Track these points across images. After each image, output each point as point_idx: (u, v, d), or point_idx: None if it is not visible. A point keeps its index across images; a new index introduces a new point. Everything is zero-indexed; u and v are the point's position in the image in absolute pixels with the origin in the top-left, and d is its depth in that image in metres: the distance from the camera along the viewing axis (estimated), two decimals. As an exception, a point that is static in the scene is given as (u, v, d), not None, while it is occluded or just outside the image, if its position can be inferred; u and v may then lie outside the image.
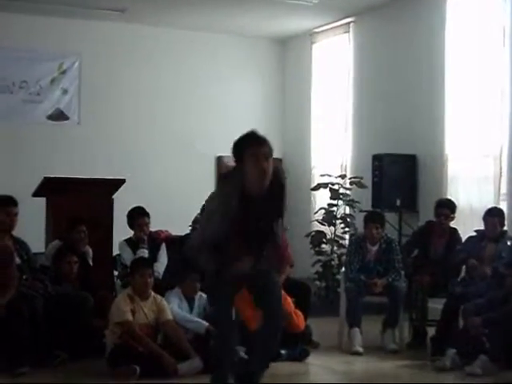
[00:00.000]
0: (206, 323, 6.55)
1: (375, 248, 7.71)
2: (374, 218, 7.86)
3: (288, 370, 6.55)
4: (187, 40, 12.39)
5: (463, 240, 7.78)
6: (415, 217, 9.73)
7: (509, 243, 7.42)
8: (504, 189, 8.82)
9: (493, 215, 7.49)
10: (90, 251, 7.67)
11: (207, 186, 12.11)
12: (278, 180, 4.86)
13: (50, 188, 8.13)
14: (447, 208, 7.87)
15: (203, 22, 12.00)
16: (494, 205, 8.28)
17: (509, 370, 6.23)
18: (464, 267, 7.53)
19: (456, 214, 7.94)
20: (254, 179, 4.72)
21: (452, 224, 7.93)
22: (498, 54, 8.91)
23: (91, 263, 7.59)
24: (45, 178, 8.21)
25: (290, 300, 6.92)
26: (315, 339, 7.42)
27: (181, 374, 6.13)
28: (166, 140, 12.07)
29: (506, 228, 7.57)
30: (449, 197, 8.90)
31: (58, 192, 8.02)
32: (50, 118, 11.69)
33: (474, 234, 7.65)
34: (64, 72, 11.75)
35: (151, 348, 6.21)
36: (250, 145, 4.73)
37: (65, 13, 11.27)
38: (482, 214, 7.61)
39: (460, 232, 7.94)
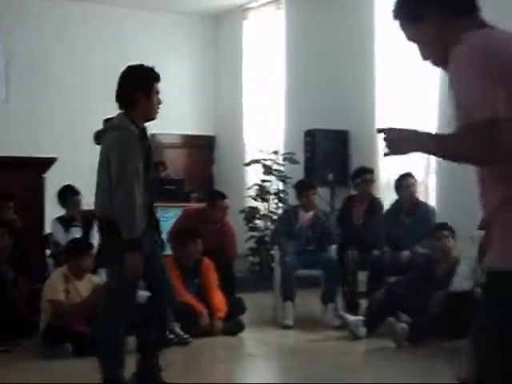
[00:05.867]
0: (146, 293, 6.54)
1: (309, 215, 7.80)
2: (308, 185, 7.98)
3: (223, 343, 6.62)
4: (118, 17, 12.24)
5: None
6: (347, 192, 9.84)
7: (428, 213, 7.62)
8: (434, 163, 8.99)
9: (406, 180, 7.69)
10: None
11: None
12: None
13: (-22, 167, 7.98)
14: (368, 173, 8.13)
15: (134, -1, 11.90)
16: (424, 178, 8.48)
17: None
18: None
19: (388, 189, 8.13)
20: None
21: (383, 197, 8.13)
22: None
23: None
24: (-28, 156, 8.05)
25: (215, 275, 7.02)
26: (251, 314, 7.48)
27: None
28: (97, 118, 11.89)
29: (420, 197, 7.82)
30: (381, 172, 9.04)
31: (-13, 171, 7.87)
32: (-23, 95, 11.47)
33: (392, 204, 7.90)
34: (-8, 49, 11.52)
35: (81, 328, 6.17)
36: None
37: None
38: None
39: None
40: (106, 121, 5.03)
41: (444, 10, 2.52)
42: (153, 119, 4.81)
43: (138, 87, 4.65)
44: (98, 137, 4.87)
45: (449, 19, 2.51)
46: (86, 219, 7.91)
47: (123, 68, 4.79)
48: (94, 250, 7.42)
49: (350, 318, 6.84)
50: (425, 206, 7.80)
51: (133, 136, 4.63)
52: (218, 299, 6.93)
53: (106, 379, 4.67)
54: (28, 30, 11.58)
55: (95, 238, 7.68)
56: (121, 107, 4.73)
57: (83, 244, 6.90)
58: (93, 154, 11.66)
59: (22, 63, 11.53)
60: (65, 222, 7.79)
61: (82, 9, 11.92)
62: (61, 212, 7.98)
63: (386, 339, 6.44)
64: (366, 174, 8.18)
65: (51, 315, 6.25)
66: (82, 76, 11.95)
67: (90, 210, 8.31)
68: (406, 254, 7.34)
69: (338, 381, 5.40)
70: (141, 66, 4.76)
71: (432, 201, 8.64)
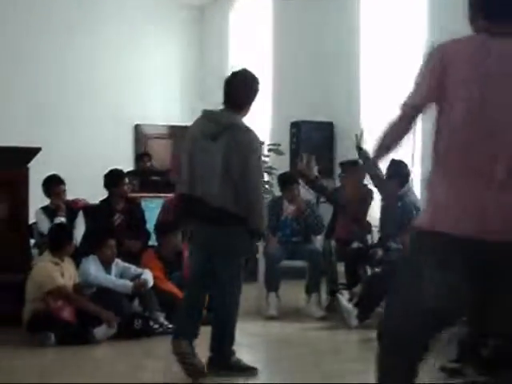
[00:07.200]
0: (130, 283, 6.58)
1: (293, 207, 7.82)
2: (291, 179, 7.98)
3: (207, 332, 6.59)
4: (103, 4, 12.20)
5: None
6: (332, 183, 9.87)
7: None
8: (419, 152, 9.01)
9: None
10: None
11: (124, 154, 12.11)
12: None
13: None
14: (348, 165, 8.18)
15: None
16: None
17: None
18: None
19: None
20: None
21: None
22: (415, 28, 9.03)
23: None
24: (-47, 146, 8.00)
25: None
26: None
27: (97, 338, 6.14)
28: (83, 107, 11.90)
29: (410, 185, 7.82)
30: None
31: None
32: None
33: None
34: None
35: (88, 307, 6.26)
36: None
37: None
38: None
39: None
40: (207, 112, 5.11)
41: (470, 6, 2.78)
42: None
43: (255, 95, 4.99)
44: (217, 135, 4.92)
45: (472, 16, 2.77)
46: (71, 209, 7.90)
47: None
48: (78, 240, 7.45)
49: (347, 305, 6.83)
50: (411, 193, 7.76)
51: None
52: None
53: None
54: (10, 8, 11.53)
55: (79, 228, 7.70)
56: (231, 106, 4.92)
57: (66, 231, 6.90)
58: (78, 143, 11.77)
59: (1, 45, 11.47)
60: (49, 212, 7.77)
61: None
62: (45, 202, 7.95)
63: (372, 330, 6.45)
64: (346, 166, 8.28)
65: (61, 300, 6.27)
66: (67, 64, 11.89)
67: (74, 200, 8.39)
68: (379, 251, 7.33)
69: (326, 371, 5.41)
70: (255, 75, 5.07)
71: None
